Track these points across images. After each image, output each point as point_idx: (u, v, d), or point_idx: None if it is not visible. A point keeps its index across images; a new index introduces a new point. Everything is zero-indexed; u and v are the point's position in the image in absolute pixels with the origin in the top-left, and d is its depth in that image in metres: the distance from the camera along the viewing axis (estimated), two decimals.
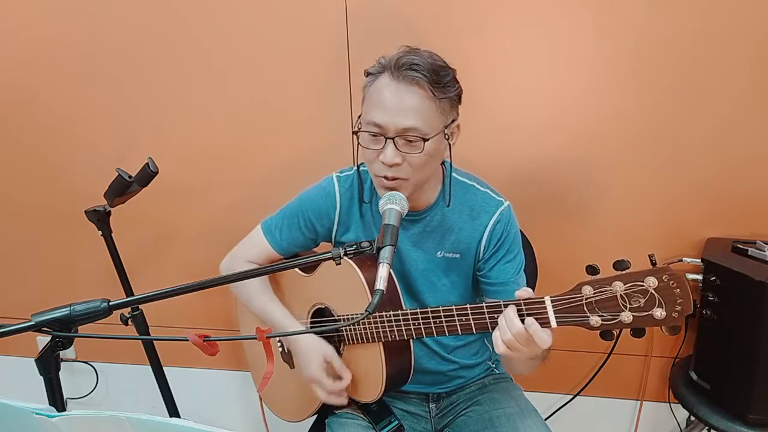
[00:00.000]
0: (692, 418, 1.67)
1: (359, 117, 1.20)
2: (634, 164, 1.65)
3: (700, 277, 1.54)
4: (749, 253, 1.51)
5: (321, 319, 1.39)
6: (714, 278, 1.48)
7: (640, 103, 1.60)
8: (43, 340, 0.89)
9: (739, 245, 1.54)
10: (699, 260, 1.57)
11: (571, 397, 1.92)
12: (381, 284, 0.94)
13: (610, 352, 1.80)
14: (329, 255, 1.00)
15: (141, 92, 1.84)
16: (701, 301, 1.54)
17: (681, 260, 1.65)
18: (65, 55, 1.84)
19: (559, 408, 1.92)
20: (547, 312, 0.99)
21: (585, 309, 0.96)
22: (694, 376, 1.58)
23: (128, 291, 1.70)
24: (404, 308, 1.23)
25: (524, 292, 1.04)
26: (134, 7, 1.76)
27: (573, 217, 1.73)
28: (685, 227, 1.67)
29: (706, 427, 1.59)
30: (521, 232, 1.52)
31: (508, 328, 1.01)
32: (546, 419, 1.88)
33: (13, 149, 1.98)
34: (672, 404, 1.84)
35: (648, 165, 1.65)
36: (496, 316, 1.05)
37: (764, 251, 1.49)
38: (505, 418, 1.30)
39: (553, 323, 0.99)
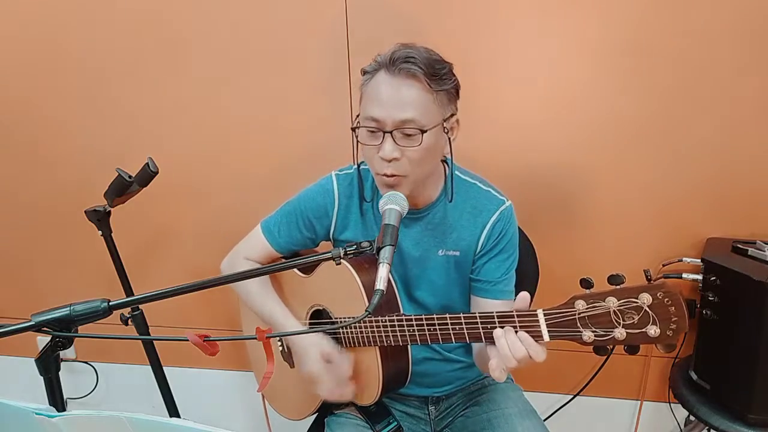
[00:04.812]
0: (692, 418, 1.67)
1: (357, 116, 1.20)
2: (635, 164, 1.65)
3: (700, 277, 1.55)
4: (749, 253, 1.51)
5: (319, 320, 1.38)
6: (714, 278, 1.48)
7: (641, 103, 1.60)
8: (43, 340, 0.89)
9: (739, 245, 1.54)
10: (699, 260, 1.57)
11: (571, 397, 1.92)
12: (381, 284, 0.94)
13: (610, 352, 1.80)
14: (329, 255, 0.99)
15: (141, 92, 1.84)
16: (701, 301, 1.54)
17: (681, 260, 1.66)
18: (65, 55, 1.84)
19: (559, 408, 1.92)
20: (539, 325, 0.97)
21: (578, 324, 0.93)
22: (694, 376, 1.58)
23: (128, 291, 1.70)
24: (401, 312, 1.22)
25: (518, 302, 1.02)
26: (134, 7, 1.76)
27: (572, 217, 1.73)
28: (685, 227, 1.67)
29: (706, 427, 1.58)
30: (523, 232, 1.51)
31: (513, 354, 0.98)
32: (546, 419, 1.89)
33: (13, 149, 1.98)
34: (672, 404, 1.84)
35: (648, 165, 1.65)
36: (489, 326, 1.03)
37: (764, 251, 1.48)
38: (504, 419, 1.30)
39: (546, 337, 0.97)
